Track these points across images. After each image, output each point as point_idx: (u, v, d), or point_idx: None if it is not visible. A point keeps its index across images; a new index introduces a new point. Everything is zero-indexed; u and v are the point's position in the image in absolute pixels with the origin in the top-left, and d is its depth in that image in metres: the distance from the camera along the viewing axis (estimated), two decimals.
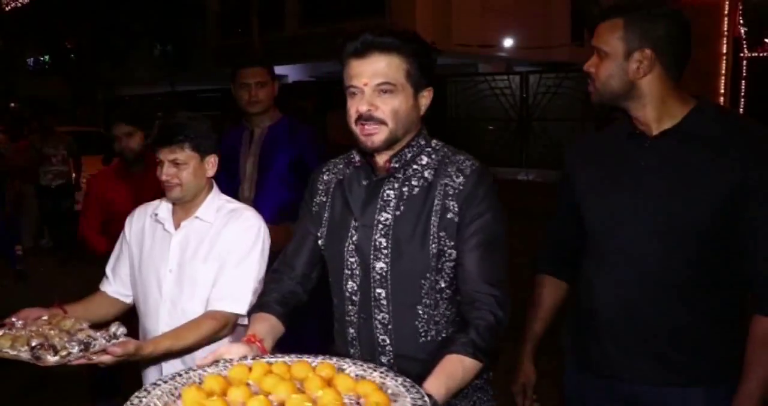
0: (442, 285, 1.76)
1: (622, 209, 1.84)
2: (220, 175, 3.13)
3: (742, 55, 10.30)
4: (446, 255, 1.74)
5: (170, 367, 2.26)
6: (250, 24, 18.11)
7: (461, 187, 1.73)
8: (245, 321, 2.21)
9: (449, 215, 1.73)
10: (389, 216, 1.76)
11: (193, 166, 2.27)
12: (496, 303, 1.67)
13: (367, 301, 1.79)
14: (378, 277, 1.77)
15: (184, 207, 2.36)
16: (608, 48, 1.80)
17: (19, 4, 18.39)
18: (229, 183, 3.29)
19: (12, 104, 19.62)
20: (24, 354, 1.87)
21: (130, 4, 19.42)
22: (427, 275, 1.74)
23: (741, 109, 8.73)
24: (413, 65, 1.72)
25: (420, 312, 1.76)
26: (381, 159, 1.79)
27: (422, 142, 1.80)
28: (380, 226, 1.76)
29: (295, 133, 3.49)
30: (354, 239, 1.79)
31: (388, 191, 1.78)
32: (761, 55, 10.19)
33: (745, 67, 10.41)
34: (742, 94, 10.41)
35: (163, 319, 2.31)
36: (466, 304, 1.71)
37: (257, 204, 3.23)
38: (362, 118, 1.71)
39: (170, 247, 2.33)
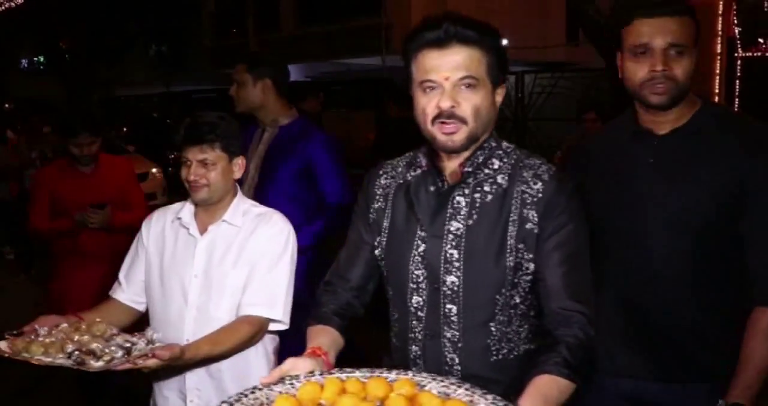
0: (517, 300, 1.62)
1: (633, 206, 1.87)
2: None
3: (736, 55, 10.33)
4: (523, 268, 1.60)
5: (194, 376, 2.22)
6: (246, 24, 18.10)
7: (540, 195, 1.59)
8: (275, 327, 2.21)
9: (528, 226, 1.59)
10: (460, 225, 1.61)
11: (221, 167, 2.21)
12: (587, 321, 1.54)
13: (436, 317, 1.64)
14: (449, 292, 1.62)
15: (208, 210, 2.27)
16: (687, 43, 1.80)
17: (13, 5, 18.34)
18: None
19: (6, 105, 19.58)
20: (62, 360, 1.81)
21: (125, 5, 19.38)
22: (503, 290, 1.60)
23: (735, 109, 8.77)
24: (493, 59, 1.60)
25: (492, 329, 1.62)
26: (453, 163, 1.65)
27: (493, 144, 1.67)
28: (450, 236, 1.62)
29: (307, 140, 3.21)
30: (420, 250, 1.65)
31: (458, 198, 1.63)
32: (755, 55, 10.22)
33: (739, 67, 10.43)
34: (737, 93, 10.44)
35: (188, 327, 2.21)
36: (551, 321, 1.57)
37: None
38: (443, 116, 1.56)
39: (196, 252, 2.24)
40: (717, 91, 10.31)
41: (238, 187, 2.35)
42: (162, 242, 2.32)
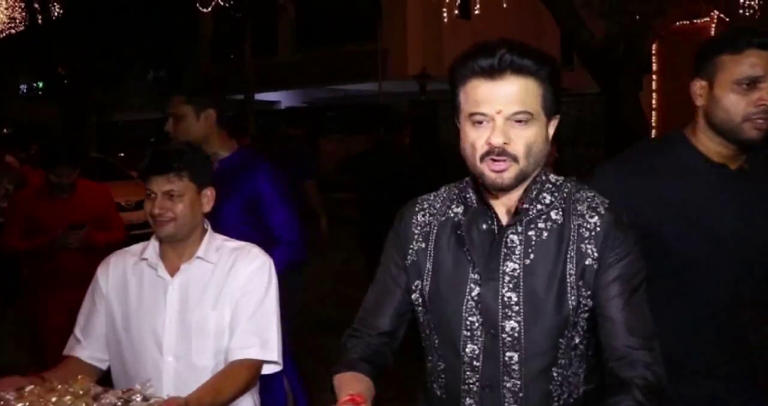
0: (576, 341, 1.52)
1: (709, 240, 1.78)
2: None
3: None
4: (582, 307, 1.50)
5: None
6: (243, 49, 18.24)
7: (598, 228, 1.50)
8: (269, 369, 2.06)
9: (587, 261, 1.49)
10: (516, 266, 1.49)
11: (189, 199, 2.02)
12: (653, 360, 1.46)
13: (495, 367, 1.51)
14: (509, 338, 1.49)
15: (176, 248, 2.07)
16: None
17: (13, 31, 18.49)
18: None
19: (4, 130, 19.61)
20: None
21: (123, 30, 19.54)
22: (566, 332, 1.49)
23: None
24: (548, 90, 1.48)
25: (555, 374, 1.50)
26: (507, 199, 1.53)
27: (543, 178, 1.54)
28: (507, 278, 1.49)
29: (250, 171, 2.96)
30: (474, 294, 1.51)
31: (512, 237, 1.51)
32: None
33: None
34: None
35: (167, 380, 2.00)
36: (616, 360, 1.47)
37: None
38: (493, 153, 1.44)
39: (167, 295, 2.03)
40: None
41: (207, 222, 2.16)
42: (124, 287, 2.08)
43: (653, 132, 10.87)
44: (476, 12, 13.18)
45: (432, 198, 1.66)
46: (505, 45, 1.44)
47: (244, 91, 17.85)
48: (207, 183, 2.10)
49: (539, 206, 1.52)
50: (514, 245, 1.50)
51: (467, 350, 1.52)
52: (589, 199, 1.54)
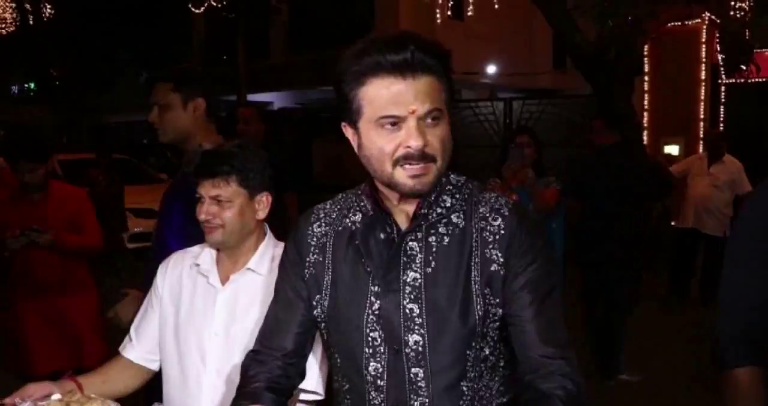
0: (487, 352, 1.42)
1: None
2: (185, 218, 2.38)
3: (720, 81, 10.48)
4: (491, 316, 1.40)
5: None
6: (236, 51, 18.21)
7: (502, 232, 1.40)
8: (307, 397, 1.84)
9: (493, 267, 1.39)
10: (417, 275, 1.39)
11: (239, 205, 1.88)
12: (571, 369, 1.37)
13: (400, 384, 1.40)
14: (412, 354, 1.39)
15: (231, 256, 1.95)
16: None
17: (3, 32, 18.42)
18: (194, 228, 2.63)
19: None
20: None
21: (116, 32, 19.50)
22: (473, 343, 1.40)
23: (720, 133, 8.92)
24: (448, 85, 1.39)
25: (464, 389, 1.41)
26: (407, 205, 1.43)
27: (444, 180, 1.43)
28: (408, 289, 1.39)
29: None
30: (375, 307, 1.41)
31: (411, 244, 1.41)
32: (738, 81, 10.38)
33: (723, 93, 10.58)
34: (721, 119, 10.56)
35: (206, 395, 1.88)
36: (532, 372, 1.37)
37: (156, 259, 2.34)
38: (412, 157, 1.33)
39: (216, 305, 1.91)
40: (702, 116, 10.44)
41: (267, 228, 2.02)
42: (179, 290, 1.99)
43: (645, 133, 10.91)
44: (469, 13, 13.22)
45: (328, 207, 1.54)
46: (410, 39, 1.32)
47: (237, 93, 17.83)
48: (261, 188, 1.94)
49: (438, 210, 1.42)
50: (414, 252, 1.40)
51: (370, 368, 1.42)
52: (492, 201, 1.44)
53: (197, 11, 16.13)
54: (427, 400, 1.40)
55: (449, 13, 14.19)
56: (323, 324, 1.50)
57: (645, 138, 10.60)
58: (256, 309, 1.84)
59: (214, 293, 1.93)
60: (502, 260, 1.39)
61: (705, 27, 10.29)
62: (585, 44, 9.31)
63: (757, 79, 10.33)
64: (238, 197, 1.89)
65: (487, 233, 1.40)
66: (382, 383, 1.42)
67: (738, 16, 9.54)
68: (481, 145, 17.17)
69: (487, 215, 1.42)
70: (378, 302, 1.41)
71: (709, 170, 6.97)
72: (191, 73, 2.72)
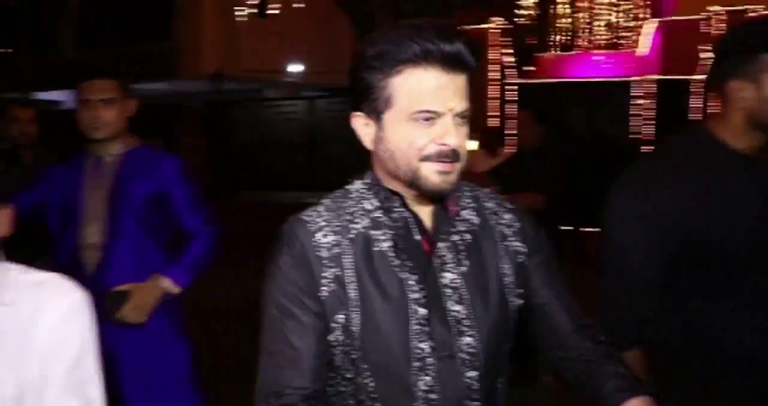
0: (507, 346, 1.41)
1: (752, 231, 1.70)
2: (53, 217, 2.62)
3: (507, 81, 11.25)
4: (517, 308, 1.40)
5: None
6: (20, 46, 16.85)
7: (516, 224, 1.42)
8: None
9: (519, 259, 1.40)
10: (454, 276, 1.33)
11: None
12: (598, 331, 1.46)
13: (455, 393, 1.30)
14: (467, 357, 1.31)
15: None
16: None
17: None
18: (66, 226, 2.67)
19: None
20: None
21: None
22: (509, 337, 1.38)
23: (506, 131, 9.63)
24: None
25: (500, 386, 1.38)
26: (423, 207, 1.35)
27: None
28: (448, 291, 1.32)
29: (158, 163, 2.73)
30: (419, 315, 1.29)
31: (438, 244, 1.34)
32: (526, 81, 11.20)
33: (510, 92, 11.37)
34: (507, 116, 11.31)
35: None
36: (577, 344, 1.42)
37: (111, 251, 2.63)
38: (446, 155, 1.26)
39: None
40: (490, 113, 11.16)
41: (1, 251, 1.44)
42: None
43: None
44: (270, 11, 13.16)
45: (324, 213, 1.36)
46: (458, 33, 1.24)
47: (20, 89, 16.50)
48: None
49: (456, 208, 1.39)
50: (443, 253, 1.33)
51: (420, 384, 1.28)
52: (491, 197, 1.45)
53: None
54: (479, 403, 1.32)
55: (255, 11, 14.04)
56: (346, 347, 1.30)
57: None
58: (6, 350, 1.34)
59: None
60: (525, 250, 1.41)
61: (495, 31, 10.99)
62: None
63: (543, 81, 11.20)
64: None
65: (503, 227, 1.41)
66: (435, 397, 1.29)
67: (524, 22, 10.31)
68: (286, 143, 17.20)
69: (497, 209, 1.42)
70: (421, 309, 1.29)
71: (488, 163, 7.44)
72: (122, 72, 2.77)
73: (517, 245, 1.40)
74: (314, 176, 16.32)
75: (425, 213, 1.36)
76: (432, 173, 1.27)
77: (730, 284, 1.71)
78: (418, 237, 1.33)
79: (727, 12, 9.73)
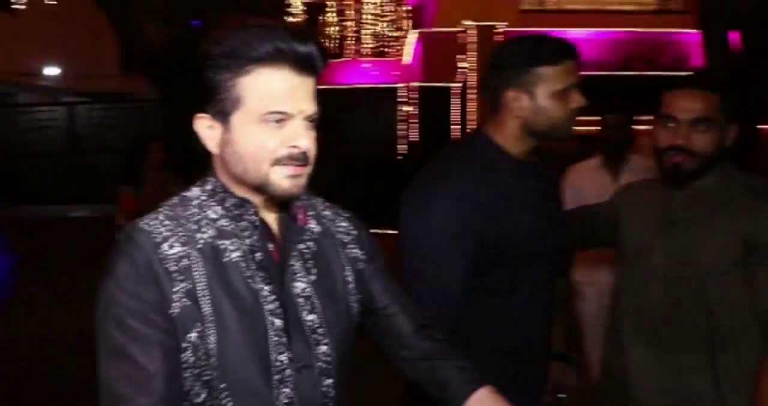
0: (353, 351, 1.41)
1: (537, 234, 1.89)
2: None
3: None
4: (357, 312, 1.41)
5: None
6: None
7: (353, 232, 1.43)
8: None
9: (359, 266, 1.41)
10: (305, 285, 1.30)
11: None
12: (436, 324, 1.51)
13: (313, 403, 1.28)
14: (323, 365, 1.29)
15: None
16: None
17: None
18: None
19: None
20: None
21: None
22: (355, 343, 1.39)
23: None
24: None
25: (343, 394, 1.36)
26: (268, 214, 1.32)
27: None
28: (301, 300, 1.29)
29: None
30: (276, 326, 1.24)
31: (289, 253, 1.31)
32: (325, 87, 11.39)
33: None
34: None
35: None
36: (421, 339, 1.46)
37: None
38: (296, 158, 1.24)
39: None
40: None
41: None
42: None
43: None
44: (16, 5, 12.08)
45: (166, 222, 1.26)
46: (310, 34, 1.22)
47: None
48: None
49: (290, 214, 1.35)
50: (293, 263, 1.31)
51: (282, 397, 1.24)
52: (326, 205, 1.45)
53: None
54: None
55: None
56: (201, 363, 1.21)
57: None
58: None
59: None
60: (364, 257, 1.42)
61: None
62: (151, 48, 9.25)
63: (338, 86, 11.40)
64: None
65: (342, 234, 1.41)
66: None
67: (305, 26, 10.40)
68: (42, 153, 15.91)
69: (333, 217, 1.43)
70: (277, 321, 1.25)
71: None
72: None
73: (356, 252, 1.41)
74: (79, 189, 15.25)
75: (272, 220, 1.32)
76: (282, 178, 1.23)
77: (518, 280, 1.83)
78: (270, 246, 1.29)
79: (478, 26, 10.59)
